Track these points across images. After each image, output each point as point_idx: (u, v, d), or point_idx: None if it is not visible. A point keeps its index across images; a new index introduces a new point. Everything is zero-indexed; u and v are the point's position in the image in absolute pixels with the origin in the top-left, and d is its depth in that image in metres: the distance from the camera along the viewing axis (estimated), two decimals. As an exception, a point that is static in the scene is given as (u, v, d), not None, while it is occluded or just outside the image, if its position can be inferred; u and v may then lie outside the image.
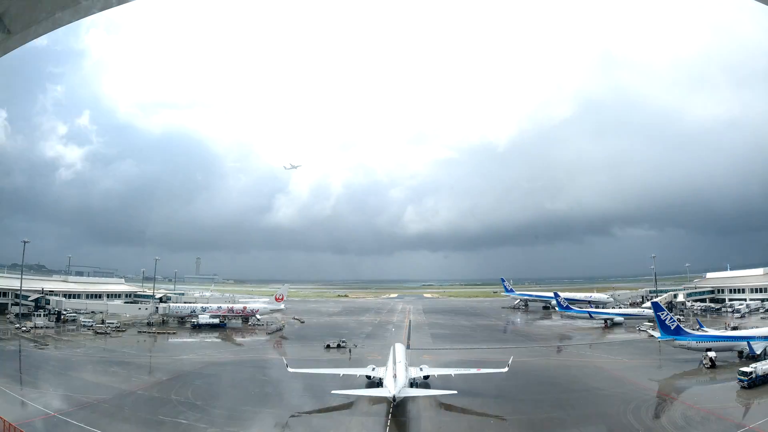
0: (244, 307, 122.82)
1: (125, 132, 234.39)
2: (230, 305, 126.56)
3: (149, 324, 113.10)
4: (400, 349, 56.73)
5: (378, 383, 50.50)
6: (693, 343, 68.75)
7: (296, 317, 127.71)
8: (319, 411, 49.07)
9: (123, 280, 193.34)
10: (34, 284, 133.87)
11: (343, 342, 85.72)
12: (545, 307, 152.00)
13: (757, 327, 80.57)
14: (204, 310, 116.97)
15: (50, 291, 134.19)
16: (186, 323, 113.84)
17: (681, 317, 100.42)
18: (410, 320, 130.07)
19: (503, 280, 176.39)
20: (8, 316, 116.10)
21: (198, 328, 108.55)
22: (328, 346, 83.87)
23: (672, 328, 69.12)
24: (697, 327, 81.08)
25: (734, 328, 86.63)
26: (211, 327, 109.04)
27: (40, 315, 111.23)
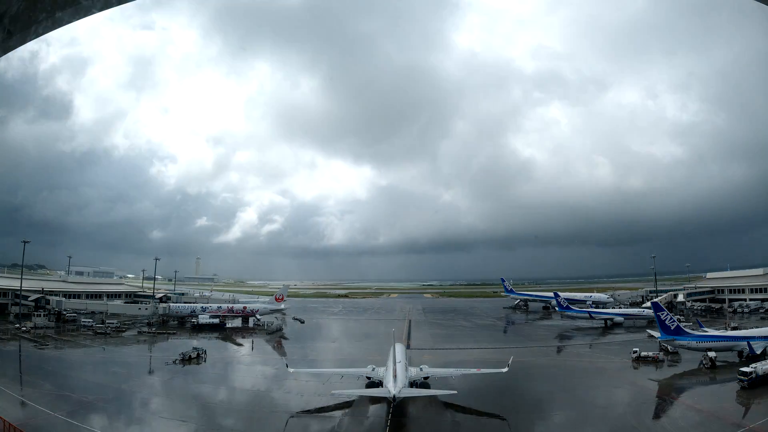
0: (245, 307, 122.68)
1: (148, 185, 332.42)
2: (230, 305, 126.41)
3: (149, 324, 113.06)
4: (400, 349, 56.50)
5: (378, 383, 50.36)
6: (693, 343, 68.73)
7: (296, 317, 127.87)
8: (319, 411, 49.07)
9: (123, 281, 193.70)
10: (34, 284, 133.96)
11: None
12: (545, 307, 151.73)
13: (757, 327, 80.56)
14: (204, 310, 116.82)
15: (50, 291, 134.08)
16: (186, 323, 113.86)
17: (681, 317, 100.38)
18: (410, 320, 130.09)
19: (503, 280, 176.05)
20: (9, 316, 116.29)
21: (198, 328, 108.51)
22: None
23: (672, 328, 69.12)
24: (697, 327, 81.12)
25: (734, 328, 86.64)
26: (211, 327, 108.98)
27: (40, 315, 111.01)
